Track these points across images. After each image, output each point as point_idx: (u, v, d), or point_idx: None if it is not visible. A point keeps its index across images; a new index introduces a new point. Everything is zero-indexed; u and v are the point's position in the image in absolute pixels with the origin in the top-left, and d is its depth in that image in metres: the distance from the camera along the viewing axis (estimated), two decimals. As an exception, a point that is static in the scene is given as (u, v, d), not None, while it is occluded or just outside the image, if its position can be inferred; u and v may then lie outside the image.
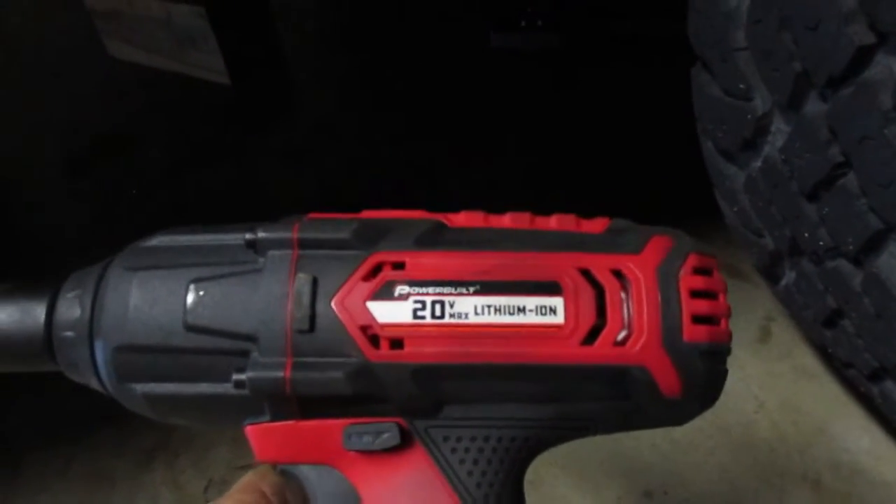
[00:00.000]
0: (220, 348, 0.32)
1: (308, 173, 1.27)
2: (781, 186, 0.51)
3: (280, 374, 0.31)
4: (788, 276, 0.59)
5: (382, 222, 0.34)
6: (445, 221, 0.34)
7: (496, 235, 0.33)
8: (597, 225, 0.34)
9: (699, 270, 0.32)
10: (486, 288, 0.31)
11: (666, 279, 0.32)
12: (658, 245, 0.33)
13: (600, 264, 0.32)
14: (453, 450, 0.32)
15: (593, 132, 1.27)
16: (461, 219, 0.34)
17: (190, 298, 0.32)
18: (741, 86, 0.51)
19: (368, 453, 0.32)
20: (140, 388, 0.33)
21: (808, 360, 0.89)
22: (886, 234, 0.44)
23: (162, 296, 0.32)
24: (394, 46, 1.57)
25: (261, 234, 0.33)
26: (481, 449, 0.32)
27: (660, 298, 0.31)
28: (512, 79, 1.42)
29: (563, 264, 0.32)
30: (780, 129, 0.50)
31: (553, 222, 0.34)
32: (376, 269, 0.32)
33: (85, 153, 1.38)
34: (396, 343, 0.31)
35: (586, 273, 0.32)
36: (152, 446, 0.86)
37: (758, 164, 0.54)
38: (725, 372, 0.33)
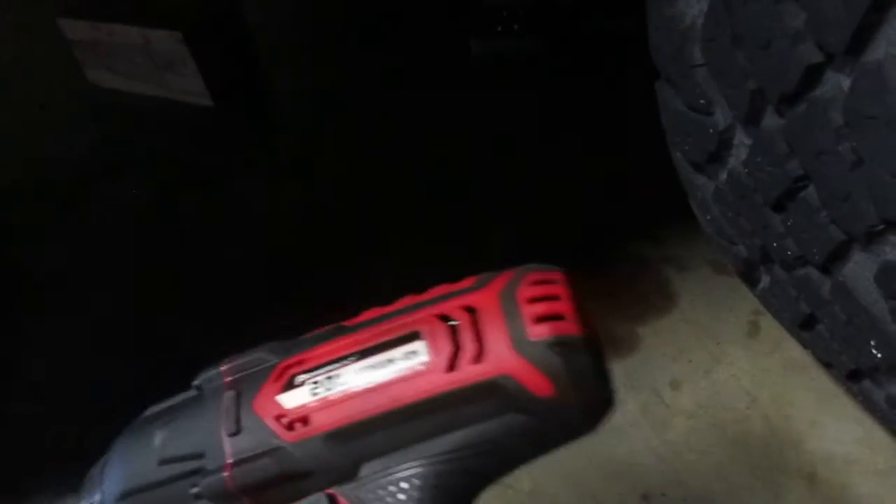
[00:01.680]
0: (182, 472, 0.39)
1: (294, 191, 1.27)
2: (748, 198, 0.52)
3: (222, 475, 0.38)
4: (764, 281, 0.60)
5: (299, 339, 0.41)
6: (345, 323, 0.41)
7: (379, 318, 0.39)
8: (465, 282, 0.40)
9: (536, 283, 0.37)
10: (362, 355, 0.37)
11: (506, 298, 0.37)
12: (502, 278, 0.38)
13: (453, 306, 0.37)
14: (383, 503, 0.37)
15: (576, 135, 1.28)
16: (359, 318, 0.41)
17: (157, 441, 0.40)
18: (701, 101, 0.52)
19: None
20: None
21: (797, 352, 0.89)
22: (849, 244, 0.45)
23: (142, 446, 0.40)
24: (375, 59, 1.57)
25: (201, 377, 0.41)
26: (407, 496, 0.36)
27: (503, 313, 0.36)
28: (493, 85, 1.42)
29: (423, 316, 0.37)
30: (742, 143, 0.51)
31: (431, 292, 0.40)
32: (283, 371, 0.39)
33: (73, 183, 1.39)
34: (305, 421, 0.37)
35: (442, 317, 0.37)
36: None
37: (724, 175, 0.54)
38: (593, 361, 0.36)
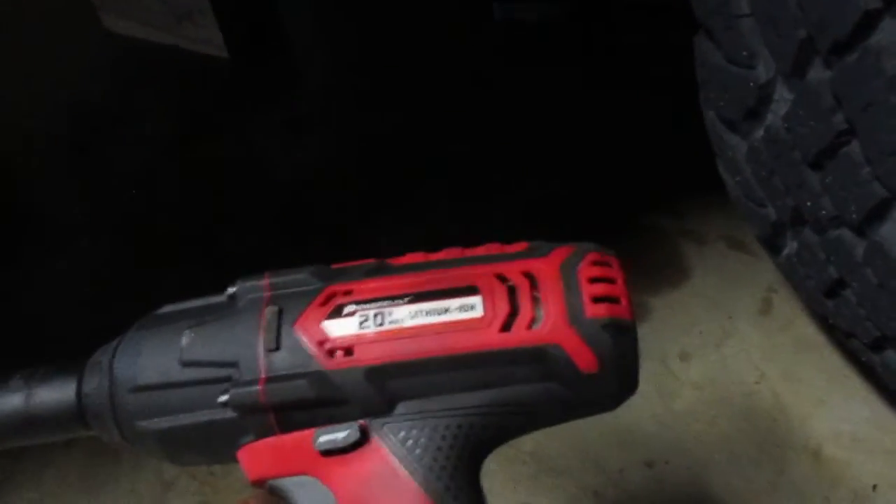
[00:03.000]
0: (209, 377, 0.39)
1: (309, 145, 1.26)
2: (784, 155, 0.51)
3: (255, 388, 0.37)
4: (790, 247, 0.59)
5: (338, 267, 0.42)
6: (390, 262, 0.42)
7: (429, 263, 0.41)
8: (517, 246, 0.41)
9: (597, 263, 0.39)
10: (416, 298, 0.38)
11: (567, 272, 0.38)
12: (562, 251, 0.40)
13: (512, 269, 0.39)
14: (410, 443, 0.37)
15: (597, 105, 1.26)
16: (404, 259, 0.42)
17: (184, 341, 0.39)
18: (744, 53, 0.51)
19: (338, 457, 0.38)
20: (148, 423, 0.39)
21: (809, 331, 0.89)
22: (890, 202, 0.44)
23: (163, 343, 0.40)
24: (395, 17, 1.55)
25: (238, 286, 0.41)
26: (434, 440, 0.37)
27: (562, 287, 0.38)
28: (515, 51, 1.41)
29: (481, 272, 0.39)
30: (783, 98, 0.50)
31: (480, 249, 0.41)
32: (330, 298, 0.39)
33: (85, 128, 1.38)
34: (348, 352, 0.37)
35: (500, 276, 0.38)
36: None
37: (760, 133, 0.53)
38: (635, 347, 0.39)
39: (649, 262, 0.99)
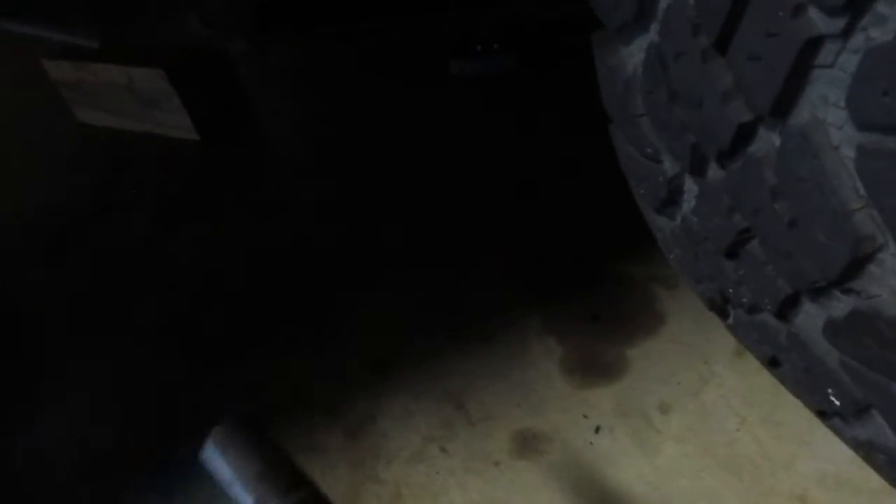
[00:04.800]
0: None
1: (281, 223, 1.28)
2: (701, 244, 0.51)
3: None
4: (730, 321, 0.59)
5: None
6: None
7: None
8: None
9: None
10: None
11: None
12: None
13: None
14: None
15: (554, 151, 1.27)
16: None
17: None
18: (648, 150, 0.51)
19: None
20: None
21: (786, 368, 0.88)
22: (797, 296, 0.44)
23: None
24: (357, 87, 1.58)
25: None
26: None
27: None
28: (470, 109, 1.42)
29: None
30: (691, 190, 0.50)
31: None
32: None
33: (64, 225, 1.40)
34: None
35: None
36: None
37: (678, 220, 0.54)
38: None
39: (623, 311, 0.99)
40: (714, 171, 0.46)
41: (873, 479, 0.78)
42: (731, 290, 0.51)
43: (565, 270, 1.07)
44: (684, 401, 0.88)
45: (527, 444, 0.87)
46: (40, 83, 1.68)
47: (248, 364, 1.05)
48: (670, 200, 0.53)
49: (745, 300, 0.50)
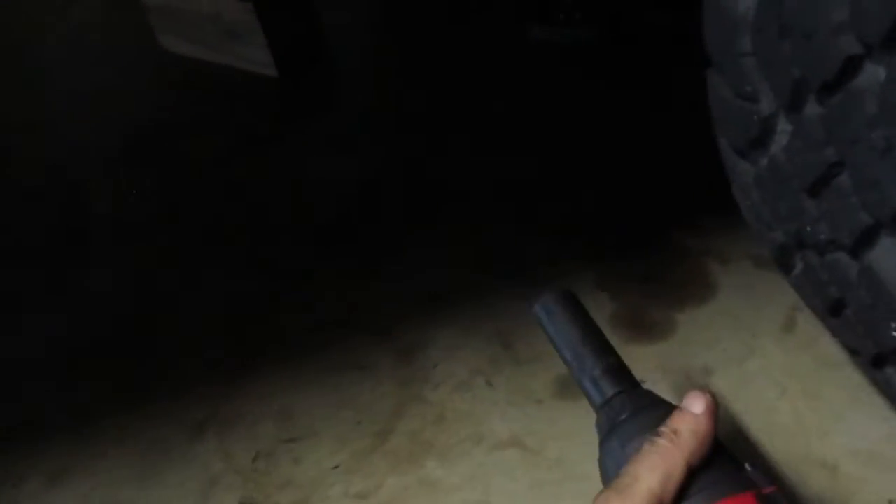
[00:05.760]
0: None
1: (350, 164, 1.32)
2: (786, 183, 0.54)
3: None
4: (798, 267, 0.62)
5: None
6: None
7: None
8: None
9: None
10: None
11: None
12: None
13: None
14: None
15: (625, 123, 1.30)
16: None
17: None
18: (748, 89, 0.54)
19: None
20: None
21: (831, 349, 0.91)
22: (877, 229, 0.47)
23: None
24: (435, 39, 1.61)
25: None
26: None
27: None
28: (550, 72, 1.45)
29: None
30: (784, 129, 0.53)
31: None
32: None
33: (137, 141, 1.46)
34: None
35: None
36: (203, 418, 0.93)
37: (765, 161, 0.57)
38: None
39: (676, 279, 1.02)
40: (811, 107, 0.49)
41: (906, 459, 0.80)
42: (808, 229, 0.54)
43: (624, 234, 1.10)
44: (727, 367, 0.91)
45: (570, 388, 0.91)
46: (131, 7, 1.74)
47: (304, 287, 1.09)
48: (759, 141, 0.56)
49: (822, 237, 0.53)
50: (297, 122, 1.44)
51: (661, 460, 0.44)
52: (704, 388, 0.50)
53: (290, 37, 1.57)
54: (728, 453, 0.57)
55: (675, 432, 0.45)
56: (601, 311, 0.98)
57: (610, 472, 0.54)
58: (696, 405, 0.47)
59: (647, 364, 0.91)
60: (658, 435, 0.46)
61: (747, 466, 0.51)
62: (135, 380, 1.00)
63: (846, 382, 0.88)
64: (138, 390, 0.98)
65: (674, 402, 0.55)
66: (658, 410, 0.56)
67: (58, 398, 0.99)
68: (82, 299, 1.14)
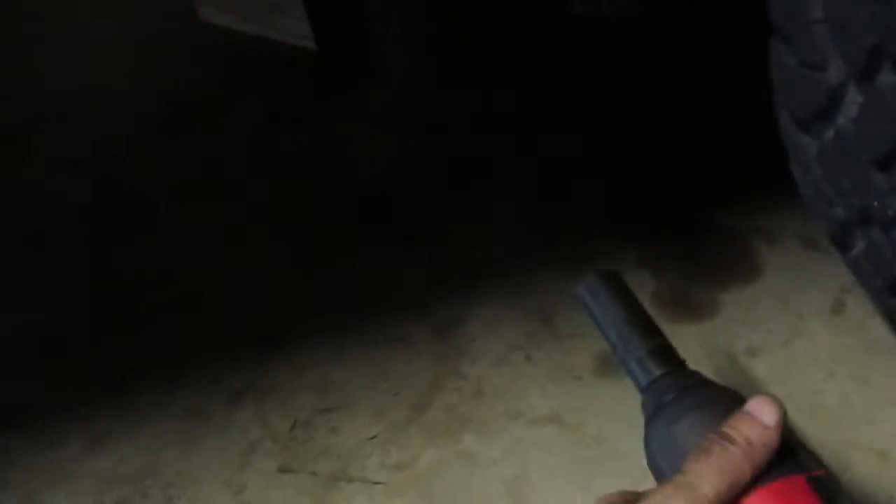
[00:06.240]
0: None
1: (388, 138, 1.31)
2: (853, 156, 0.52)
3: None
4: (858, 246, 0.60)
5: None
6: None
7: None
8: None
9: None
10: None
11: None
12: None
13: None
14: None
15: (673, 101, 1.27)
16: None
17: None
18: (817, 57, 0.52)
19: None
20: None
21: (881, 333, 0.89)
22: (953, 204, 0.45)
23: None
24: (476, 11, 1.59)
25: None
26: None
27: None
28: (593, 47, 1.43)
29: None
30: (853, 100, 0.51)
31: None
32: None
33: (177, 113, 1.46)
34: None
35: None
36: (240, 388, 0.93)
37: (830, 134, 0.55)
38: None
39: (720, 259, 1.00)
40: (886, 76, 0.47)
41: (956, 448, 0.78)
42: (875, 204, 0.52)
43: (667, 212, 1.08)
44: (773, 348, 0.89)
45: (610, 365, 0.90)
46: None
47: (342, 259, 1.09)
48: (826, 112, 0.54)
49: (890, 212, 0.51)
50: (337, 95, 1.44)
51: (730, 467, 0.43)
52: (774, 397, 0.48)
53: (330, 9, 1.56)
54: None
55: (748, 442, 0.44)
56: (642, 289, 0.97)
57: (655, 452, 0.54)
58: (767, 415, 0.46)
59: (691, 343, 0.90)
60: (729, 440, 0.44)
61: (797, 450, 0.50)
62: (179, 348, 1.00)
63: (896, 368, 0.86)
64: (181, 357, 0.99)
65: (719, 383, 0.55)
66: (705, 391, 0.55)
67: (101, 364, 1.00)
68: (125, 266, 1.14)
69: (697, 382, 0.55)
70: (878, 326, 0.89)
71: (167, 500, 0.84)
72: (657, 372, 0.56)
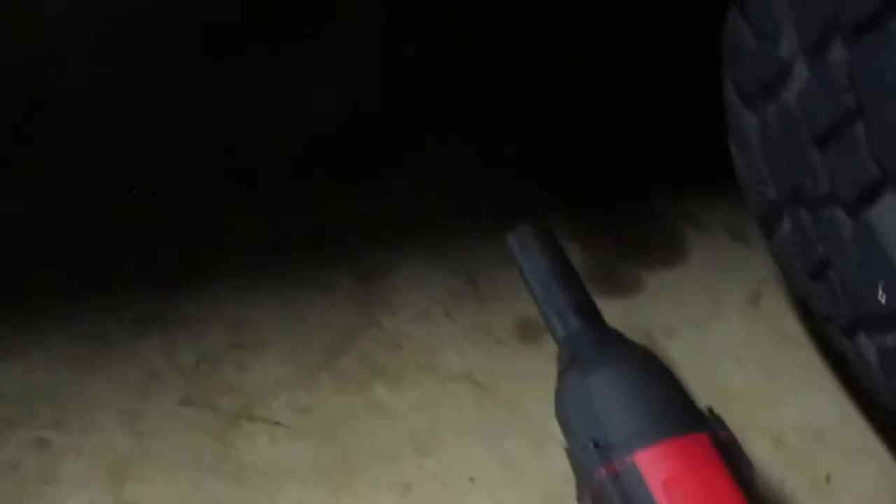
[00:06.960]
0: None
1: (331, 79, 1.26)
2: (793, 132, 0.53)
3: None
4: (784, 227, 0.61)
5: None
6: None
7: None
8: None
9: None
10: None
11: None
12: None
13: None
14: None
15: (609, 85, 1.26)
16: None
17: None
18: (771, 27, 0.52)
19: None
20: None
21: (793, 326, 0.91)
22: (882, 184, 0.46)
23: None
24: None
25: None
26: None
27: None
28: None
29: None
30: (800, 74, 0.52)
31: None
32: None
33: (111, 37, 1.36)
34: None
35: None
36: (150, 316, 0.89)
37: (773, 108, 0.55)
38: None
39: (648, 239, 1.01)
40: (836, 51, 0.47)
41: (851, 439, 0.81)
42: (808, 182, 0.53)
43: (606, 188, 1.08)
44: (688, 330, 0.91)
45: (530, 331, 0.89)
46: None
47: (273, 198, 1.05)
48: (772, 86, 0.54)
49: (822, 192, 0.52)
50: (288, 26, 1.37)
51: None
52: None
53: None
54: (689, 396, 0.57)
55: None
56: (570, 259, 0.97)
57: (566, 403, 0.54)
58: None
59: (610, 317, 0.88)
60: None
61: (705, 412, 0.51)
62: (88, 270, 0.95)
63: (803, 359, 0.88)
64: (88, 279, 0.93)
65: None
66: (621, 347, 0.55)
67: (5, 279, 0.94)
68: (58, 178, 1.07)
69: (614, 338, 0.55)
70: (790, 320, 0.92)
71: (56, 423, 0.79)
72: (576, 325, 0.56)
